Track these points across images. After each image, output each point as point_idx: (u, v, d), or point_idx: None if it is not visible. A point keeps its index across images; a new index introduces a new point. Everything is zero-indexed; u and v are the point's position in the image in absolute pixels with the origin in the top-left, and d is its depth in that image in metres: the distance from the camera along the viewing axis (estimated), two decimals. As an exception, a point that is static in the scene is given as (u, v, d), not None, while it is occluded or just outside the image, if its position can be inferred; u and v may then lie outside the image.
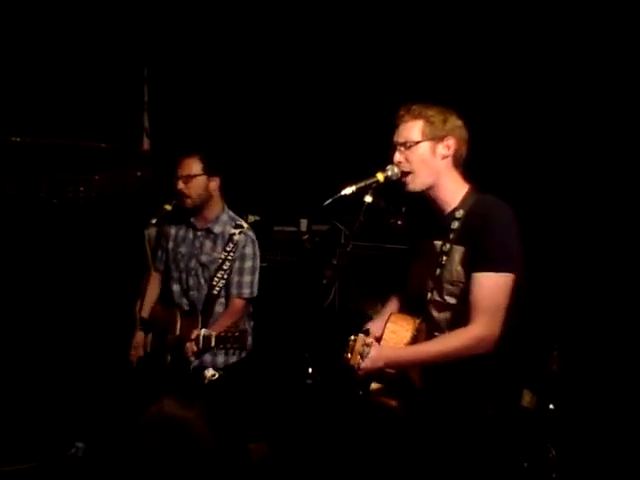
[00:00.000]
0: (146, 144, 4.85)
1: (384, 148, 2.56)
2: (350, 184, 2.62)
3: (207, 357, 3.42)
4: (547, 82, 3.75)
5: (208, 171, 3.39)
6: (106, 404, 4.00)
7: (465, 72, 4.04)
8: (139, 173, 4.68)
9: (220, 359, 3.47)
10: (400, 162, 2.56)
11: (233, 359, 3.50)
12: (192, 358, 3.26)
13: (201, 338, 3.11)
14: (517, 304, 2.46)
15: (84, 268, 4.52)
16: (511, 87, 3.87)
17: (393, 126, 2.62)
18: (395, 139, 2.59)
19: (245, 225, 3.49)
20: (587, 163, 3.61)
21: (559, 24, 3.68)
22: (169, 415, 1.68)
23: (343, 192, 2.61)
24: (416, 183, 2.56)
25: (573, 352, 3.35)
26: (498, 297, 2.42)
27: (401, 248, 4.24)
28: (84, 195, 4.55)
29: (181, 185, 3.36)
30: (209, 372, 3.17)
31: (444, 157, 2.55)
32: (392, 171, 2.60)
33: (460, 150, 2.58)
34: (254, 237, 3.51)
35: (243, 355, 3.50)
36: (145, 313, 3.62)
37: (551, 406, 2.96)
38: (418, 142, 2.53)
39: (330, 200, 2.62)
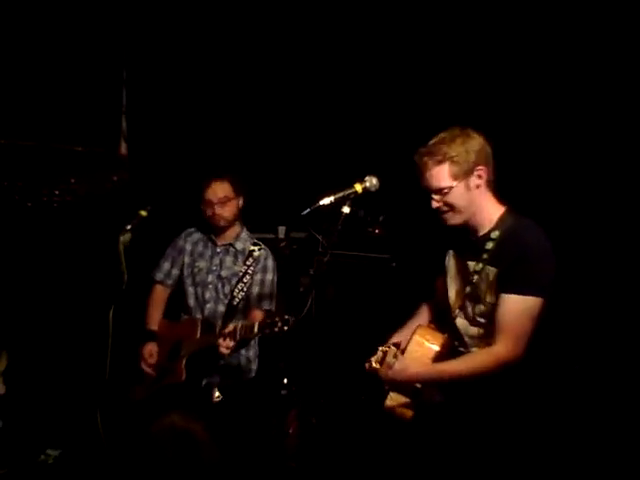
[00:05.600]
0: (123, 148, 4.80)
1: (363, 158, 2.54)
2: (328, 194, 2.63)
3: (215, 377, 3.49)
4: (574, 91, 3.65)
5: (237, 192, 3.55)
6: (78, 411, 3.95)
7: (462, 79, 4.03)
8: (115, 177, 4.63)
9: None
10: (439, 207, 2.54)
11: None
12: (227, 353, 3.23)
13: (239, 329, 3.13)
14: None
15: (58, 272, 4.46)
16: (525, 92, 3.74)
17: (415, 165, 2.57)
18: (426, 186, 2.55)
19: (261, 243, 3.63)
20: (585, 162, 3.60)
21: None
22: (180, 427, 1.89)
23: (321, 202, 2.62)
24: (456, 219, 2.56)
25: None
26: (525, 320, 2.42)
27: (379, 257, 4.25)
28: (59, 199, 4.49)
29: (219, 210, 3.48)
30: (216, 393, 3.36)
31: (478, 186, 2.53)
32: (370, 182, 2.61)
33: (491, 173, 2.56)
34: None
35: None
36: (154, 326, 3.66)
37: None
38: (452, 187, 2.50)
39: (308, 210, 2.63)
